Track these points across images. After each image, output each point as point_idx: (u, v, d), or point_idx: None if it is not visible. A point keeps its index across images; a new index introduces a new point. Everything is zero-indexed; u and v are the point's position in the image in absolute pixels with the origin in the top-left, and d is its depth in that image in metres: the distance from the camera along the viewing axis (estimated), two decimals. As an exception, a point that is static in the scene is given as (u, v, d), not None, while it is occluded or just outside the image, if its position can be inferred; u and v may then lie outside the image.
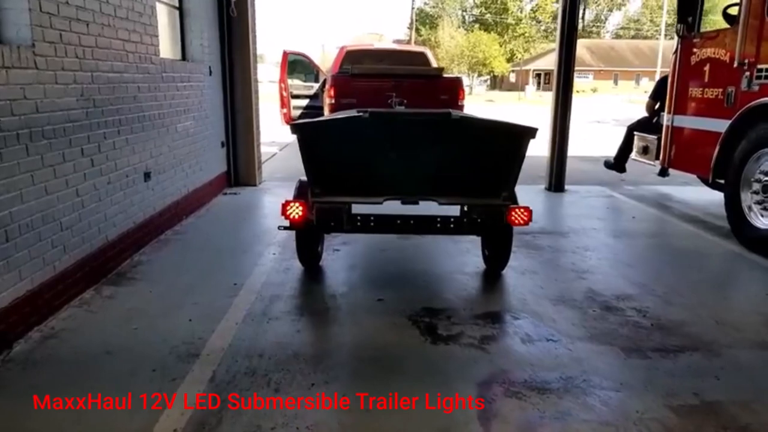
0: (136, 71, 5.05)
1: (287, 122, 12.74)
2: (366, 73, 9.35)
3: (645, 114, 8.05)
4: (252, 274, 4.67)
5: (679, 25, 6.60)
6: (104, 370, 3.15)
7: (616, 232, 6.34)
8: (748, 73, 5.55)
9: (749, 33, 5.55)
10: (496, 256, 4.59)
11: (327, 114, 9.77)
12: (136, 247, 5.07)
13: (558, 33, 8.10)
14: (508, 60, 62.65)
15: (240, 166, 8.27)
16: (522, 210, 3.75)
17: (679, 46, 6.67)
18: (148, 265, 4.85)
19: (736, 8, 5.85)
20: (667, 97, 6.93)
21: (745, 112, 5.56)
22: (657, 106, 7.72)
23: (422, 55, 11.49)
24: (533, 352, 3.43)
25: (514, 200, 3.60)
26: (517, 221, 3.74)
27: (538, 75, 61.92)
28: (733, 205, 5.77)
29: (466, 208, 3.51)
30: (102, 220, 4.47)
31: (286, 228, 4.33)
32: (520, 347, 3.49)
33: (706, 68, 6.24)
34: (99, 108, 4.36)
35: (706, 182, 7.23)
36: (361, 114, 3.21)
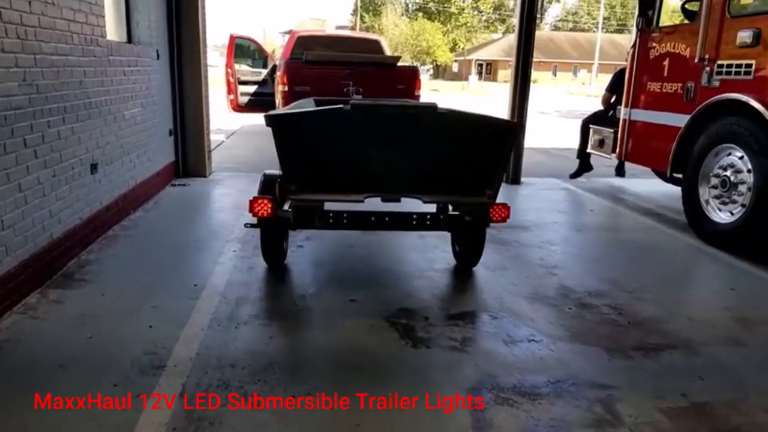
0: (82, 54, 4.65)
1: (234, 109, 12.31)
2: (321, 60, 9.08)
3: (599, 107, 8.11)
4: (213, 273, 4.39)
5: (639, 19, 6.64)
6: (57, 387, 2.84)
7: (578, 225, 6.36)
8: (708, 69, 5.63)
9: (709, 29, 5.62)
10: (469, 252, 4.48)
11: (279, 102, 9.45)
12: (82, 245, 4.70)
13: (516, 24, 8.06)
14: (451, 50, 63.07)
15: (189, 156, 7.87)
16: (501, 207, 3.64)
17: (638, 39, 6.72)
18: (98, 265, 4.49)
19: (696, 3, 5.91)
20: (624, 90, 6.99)
21: (704, 108, 5.63)
22: (613, 99, 7.79)
23: (376, 43, 11.28)
24: (517, 354, 3.33)
25: (496, 197, 3.48)
26: (497, 218, 3.64)
27: (480, 65, 62.66)
28: (690, 199, 5.86)
29: (450, 207, 3.36)
30: (47, 216, 4.10)
31: (252, 225, 4.08)
32: (504, 349, 3.39)
33: (665, 63, 6.30)
34: (43, 94, 3.98)
35: (661, 176, 7.36)
36: (342, 106, 3.01)
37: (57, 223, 4.26)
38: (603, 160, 8.22)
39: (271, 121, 2.98)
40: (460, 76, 58.92)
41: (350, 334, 3.51)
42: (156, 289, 4.05)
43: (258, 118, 13.59)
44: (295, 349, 3.33)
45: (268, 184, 4.14)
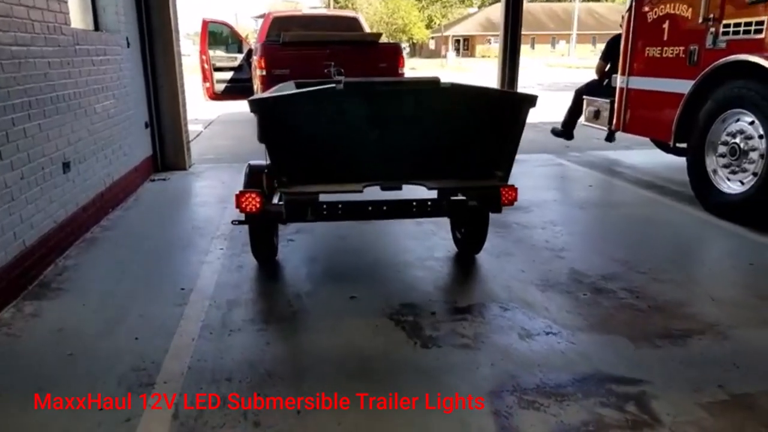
0: (45, 44, 4.28)
1: (211, 97, 11.89)
2: (298, 41, 8.71)
3: (593, 77, 7.85)
4: (200, 275, 4.09)
5: (634, -20, 6.36)
6: (36, 414, 2.55)
7: (579, 202, 6.12)
8: (713, 30, 5.37)
9: (714, -13, 5.35)
10: (473, 238, 4.22)
11: (257, 87, 9.06)
12: (59, 251, 4.37)
13: (503, -5, 7.75)
14: (427, 26, 62.40)
15: (167, 149, 7.51)
16: (509, 189, 3.37)
17: (634, 2, 6.43)
18: (76, 271, 4.17)
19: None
20: (620, 57, 6.72)
21: (710, 71, 5.38)
22: (607, 68, 7.53)
23: (354, 20, 10.88)
24: (536, 350, 3.09)
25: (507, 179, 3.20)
26: (505, 202, 3.37)
27: (458, 41, 62.12)
28: (696, 169, 5.63)
29: (459, 193, 3.09)
30: (17, 222, 3.77)
31: (240, 222, 3.77)
32: (520, 345, 3.14)
33: (665, 26, 6.04)
34: (4, 89, 3.63)
35: (661, 146, 7.15)
36: (333, 85, 2.71)
37: (29, 228, 3.93)
38: (593, 132, 7.99)
39: (255, 106, 2.68)
40: (437, 53, 58.41)
41: (354, 336, 3.25)
42: (140, 296, 3.75)
43: (236, 106, 13.19)
44: (296, 357, 3.05)
45: (254, 177, 3.84)
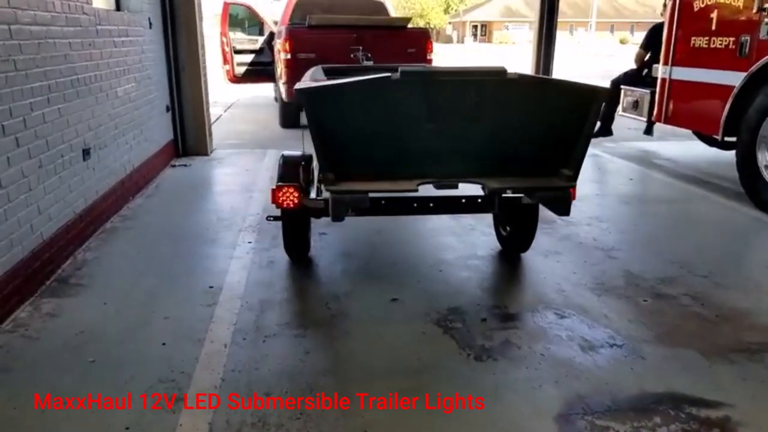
0: (66, 23, 4.02)
1: (231, 80, 11.60)
2: (325, 24, 8.38)
3: (632, 66, 7.47)
4: (229, 271, 3.84)
5: (681, -34, 5.98)
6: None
7: (622, 197, 5.80)
8: (768, 20, 5.00)
9: (772, -27, 4.98)
10: (521, 237, 3.93)
11: (281, 71, 8.76)
12: (78, 242, 4.13)
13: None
14: (445, 11, 61.59)
15: (188, 133, 7.25)
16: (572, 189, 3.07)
17: (679, -9, 6.06)
18: (96, 265, 3.93)
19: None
20: (663, 46, 6.36)
21: (763, 65, 5.03)
22: (647, 57, 7.15)
23: (380, 4, 10.50)
24: (602, 365, 2.80)
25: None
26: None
27: (475, 27, 61.29)
28: (747, 165, 5.30)
29: (521, 193, 2.80)
30: (35, 214, 3.52)
31: (275, 218, 3.51)
32: (584, 358, 2.86)
33: (714, 15, 5.67)
34: (22, 71, 3.38)
35: (705, 139, 6.79)
36: (389, 74, 2.42)
37: (47, 220, 3.69)
38: (626, 122, 7.63)
39: (303, 95, 2.40)
40: (455, 39, 57.70)
41: (399, 345, 2.98)
42: (166, 295, 3.50)
43: (256, 89, 12.90)
44: (339, 368, 2.78)
45: (289, 169, 3.57)
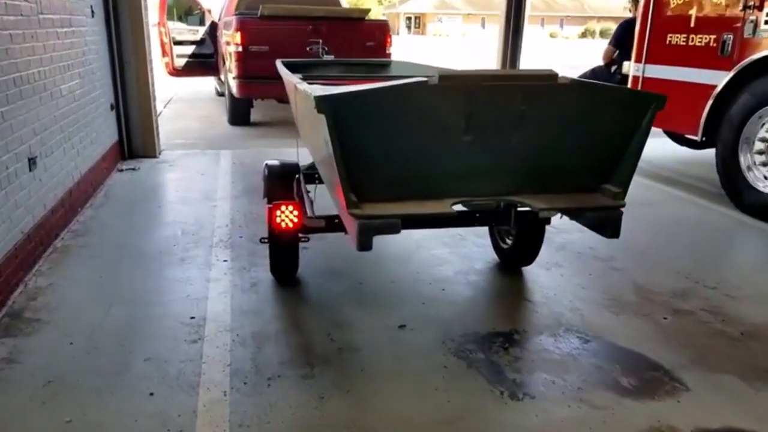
0: (5, 11, 3.45)
1: (171, 73, 10.89)
2: (279, 15, 7.89)
3: (599, 62, 7.39)
4: (208, 297, 3.40)
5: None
6: None
7: (602, 200, 5.65)
8: (753, 18, 4.95)
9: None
10: (526, 250, 3.68)
11: (230, 65, 8.20)
12: (27, 267, 3.58)
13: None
14: (379, 2, 61.28)
15: (134, 134, 6.65)
16: None
17: (655, -15, 5.97)
18: (52, 294, 3.41)
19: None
20: (636, 43, 6.27)
21: (748, 64, 4.98)
22: (616, 54, 7.08)
23: (331, -6, 10.06)
24: (647, 399, 2.58)
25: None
26: None
27: (409, 18, 61.29)
28: (728, 167, 5.26)
29: (565, 214, 2.51)
30: (-22, 240, 2.98)
31: (266, 240, 3.12)
32: (626, 392, 2.62)
33: (692, 11, 5.60)
34: (-40, 70, 2.82)
35: (675, 138, 6.77)
36: (425, 78, 2.08)
37: (-8, 245, 3.14)
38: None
39: (326, 104, 2.02)
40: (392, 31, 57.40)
41: (422, 383, 2.66)
42: (141, 329, 3.04)
43: (195, 83, 12.18)
44: (362, 419, 2.43)
45: (281, 182, 3.17)
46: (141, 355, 2.79)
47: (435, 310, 3.32)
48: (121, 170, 6.14)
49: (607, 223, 2.49)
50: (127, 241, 4.23)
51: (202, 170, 6.27)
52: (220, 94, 11.14)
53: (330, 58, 7.07)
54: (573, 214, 2.52)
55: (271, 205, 2.88)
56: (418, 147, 2.30)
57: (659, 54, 6.02)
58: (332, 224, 3.00)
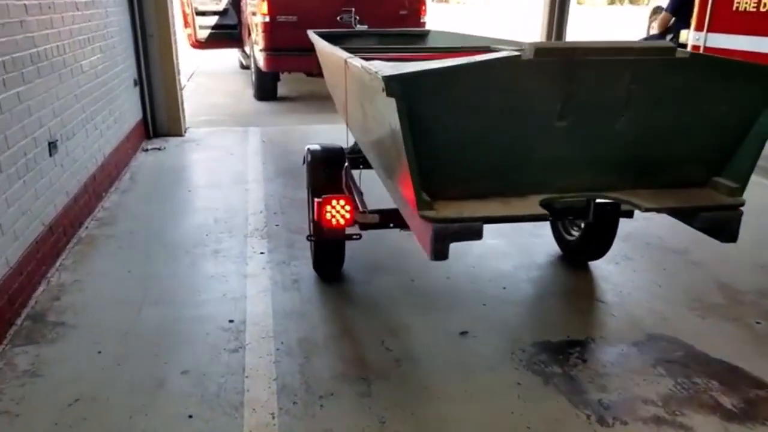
0: (20, -20, 3.11)
1: (193, 45, 10.52)
2: (309, -18, 7.45)
3: (654, 31, 6.88)
4: (247, 296, 3.10)
5: None
6: None
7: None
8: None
9: None
10: (598, 243, 3.31)
11: (257, 36, 7.80)
12: (50, 261, 3.30)
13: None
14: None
15: (159, 111, 6.33)
16: None
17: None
18: (78, 292, 3.13)
19: None
20: (697, 9, 5.77)
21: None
22: (672, 22, 6.56)
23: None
24: (759, 426, 2.22)
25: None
26: None
27: (430, -14, 59.71)
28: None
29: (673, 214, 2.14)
30: (-5, 236, 2.69)
31: (315, 239, 2.80)
32: (735, 417, 2.27)
33: (766, -28, 5.09)
34: (-31, 47, 2.50)
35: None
36: (517, 53, 1.70)
37: (12, 240, 2.86)
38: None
39: (397, 85, 1.66)
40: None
41: (497, 405, 2.33)
42: (176, 334, 2.75)
43: (217, 56, 11.77)
44: (436, 450, 2.12)
45: (328, 172, 2.83)
46: (177, 367, 2.50)
47: (497, 312, 2.98)
48: (146, 150, 5.84)
49: (724, 226, 2.11)
50: (155, 231, 3.93)
51: (230, 149, 5.94)
52: (245, 67, 10.75)
53: (363, 28, 6.65)
54: (684, 214, 2.14)
55: (320, 199, 2.54)
56: (503, 135, 1.94)
57: (725, 21, 5.52)
58: (388, 220, 2.65)
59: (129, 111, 5.56)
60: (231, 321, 2.85)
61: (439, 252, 1.85)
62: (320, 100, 8.42)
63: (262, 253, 3.59)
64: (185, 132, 6.53)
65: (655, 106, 1.94)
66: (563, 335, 2.78)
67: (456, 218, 1.86)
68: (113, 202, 4.43)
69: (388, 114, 1.90)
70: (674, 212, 2.12)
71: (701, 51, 5.75)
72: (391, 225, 2.67)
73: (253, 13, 7.97)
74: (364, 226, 2.68)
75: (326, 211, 2.52)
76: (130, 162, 5.38)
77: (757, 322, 2.92)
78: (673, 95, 1.94)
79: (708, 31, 5.69)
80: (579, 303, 3.12)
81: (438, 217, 1.86)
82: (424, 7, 7.97)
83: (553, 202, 2.06)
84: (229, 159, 5.63)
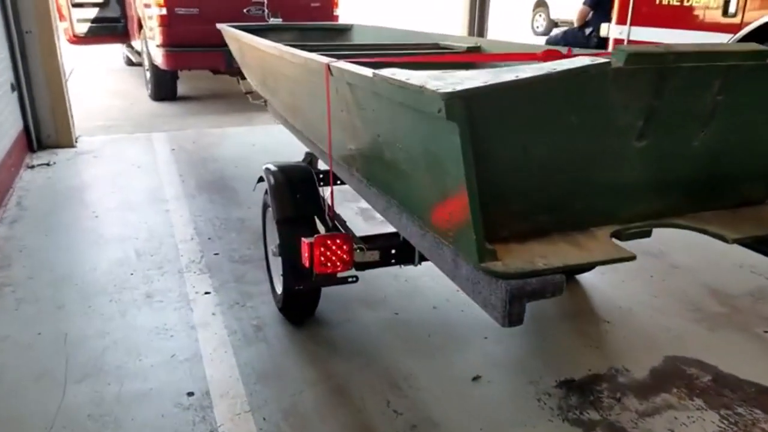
0: None
1: (71, 41, 9.35)
2: (210, -29, 6.72)
3: (573, 25, 6.78)
4: (202, 355, 2.52)
5: None
6: None
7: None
8: (768, -30, 4.45)
9: None
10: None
11: (154, 31, 6.92)
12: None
13: None
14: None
15: (43, 119, 5.43)
16: None
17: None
18: (-26, 370, 2.40)
19: None
20: (618, 1, 5.69)
21: (758, 27, 4.49)
22: (590, 15, 6.49)
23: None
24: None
25: None
26: None
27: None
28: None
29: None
30: None
31: (303, 289, 2.28)
32: (797, 454, 2.04)
33: (691, -35, 5.05)
34: None
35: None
36: (606, 60, 1.31)
37: None
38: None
39: (460, 102, 1.20)
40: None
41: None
42: (119, 423, 2.13)
43: (98, 52, 10.61)
44: None
45: (293, 196, 2.33)
46: (134, 472, 1.90)
47: (503, 347, 2.61)
48: (32, 167, 4.94)
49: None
50: (63, 273, 3.21)
51: (136, 161, 5.17)
52: (133, 64, 9.74)
53: (278, 21, 6.06)
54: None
55: (309, 240, 2.02)
56: (573, 159, 1.54)
57: (648, 14, 5.46)
58: (389, 255, 2.19)
59: (7, 121, 4.66)
60: (190, 394, 2.27)
61: (516, 317, 1.42)
62: (227, 99, 7.72)
63: (207, 293, 3.00)
64: (77, 142, 5.65)
65: (737, 117, 1.62)
66: (585, 369, 2.45)
67: (532, 271, 1.43)
68: (1, 236, 3.61)
69: (434, 139, 1.45)
70: (758, 241, 1.81)
71: (625, 45, 5.70)
72: (393, 262, 2.21)
73: (146, 5, 7.10)
74: (362, 266, 2.19)
75: (320, 256, 2.01)
76: (13, 183, 4.50)
77: (765, 332, 2.75)
78: (760, 103, 1.63)
79: (631, 24, 5.62)
80: (585, 326, 2.80)
81: (509, 271, 1.42)
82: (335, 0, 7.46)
83: (620, 235, 1.69)
84: (137, 173, 4.87)
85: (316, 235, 2.04)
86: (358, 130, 2.00)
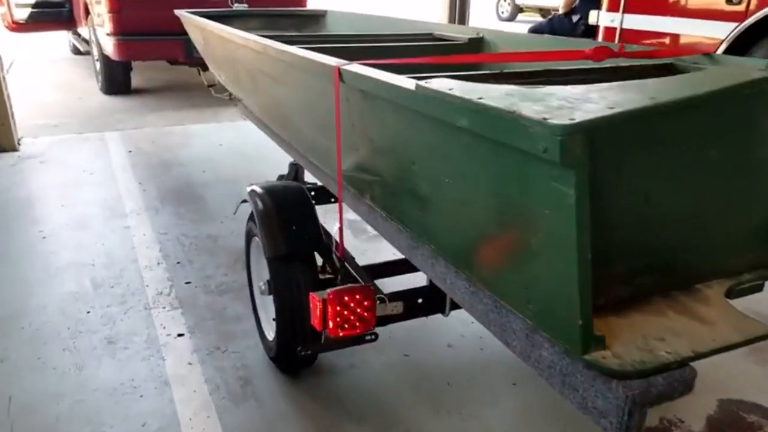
0: None
1: (10, 28, 8.57)
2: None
3: (559, 12, 6.45)
4: (180, 423, 2.08)
5: None
6: None
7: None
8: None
9: None
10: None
11: (104, 19, 6.29)
12: None
13: None
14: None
15: (-22, 120, 4.80)
16: None
17: None
18: None
19: None
20: (611, -13, 5.37)
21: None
22: (577, 1, 6.17)
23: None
24: None
25: None
26: None
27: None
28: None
29: None
30: None
31: (310, 355, 1.87)
32: None
33: (691, -51, 4.76)
34: None
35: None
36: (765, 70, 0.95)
37: None
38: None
39: (581, 142, 0.83)
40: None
41: None
42: None
43: (41, 39, 9.84)
44: None
45: (296, 231, 1.90)
46: None
47: (535, 397, 2.24)
48: (-33, 176, 4.35)
49: None
50: (6, 312, 2.70)
51: (89, 166, 4.62)
52: (80, 53, 9.02)
53: (243, 7, 5.54)
54: None
55: (324, 296, 1.59)
56: (699, 204, 1.17)
57: (645, 0, 5.15)
58: (414, 306, 1.79)
59: (-64, 125, 4.05)
60: (171, 479, 1.83)
61: (635, 430, 1.04)
62: (185, 92, 7.14)
63: (180, 335, 2.54)
64: (19, 144, 5.05)
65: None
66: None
67: (655, 367, 1.05)
68: (-70, 267, 3.07)
69: (524, 185, 1.06)
70: None
71: (617, 34, 5.39)
72: (420, 314, 1.81)
73: (94, -9, 6.45)
74: (381, 321, 1.78)
75: (335, 315, 1.59)
76: (-55, 196, 3.92)
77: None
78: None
79: (625, 11, 5.30)
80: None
81: (626, 369, 1.04)
82: (305, -18, 6.95)
83: (730, 293, 1.33)
84: (89, 180, 4.33)
85: (329, 290, 1.61)
86: (379, 151, 1.59)
